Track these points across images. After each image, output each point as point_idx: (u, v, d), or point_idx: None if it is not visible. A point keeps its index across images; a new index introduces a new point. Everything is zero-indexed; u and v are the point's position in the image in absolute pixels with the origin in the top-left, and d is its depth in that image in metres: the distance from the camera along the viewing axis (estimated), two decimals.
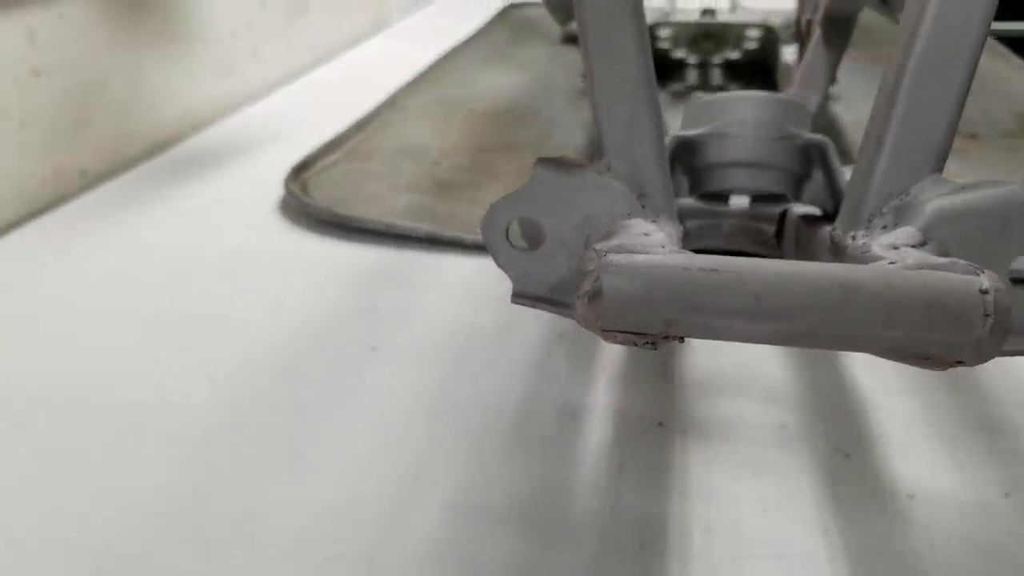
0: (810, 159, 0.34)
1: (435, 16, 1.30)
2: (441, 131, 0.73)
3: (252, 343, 0.42)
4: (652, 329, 0.21)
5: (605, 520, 0.30)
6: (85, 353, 0.41)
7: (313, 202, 0.57)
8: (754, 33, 0.81)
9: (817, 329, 0.20)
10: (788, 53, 0.81)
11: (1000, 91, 0.81)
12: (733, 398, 0.37)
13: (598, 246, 0.22)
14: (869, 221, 0.26)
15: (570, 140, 0.72)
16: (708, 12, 0.86)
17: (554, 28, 1.10)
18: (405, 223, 0.54)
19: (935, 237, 0.24)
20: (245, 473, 0.33)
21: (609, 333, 0.22)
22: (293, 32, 0.96)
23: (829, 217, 0.34)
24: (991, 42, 0.94)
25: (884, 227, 0.26)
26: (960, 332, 0.19)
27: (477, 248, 0.52)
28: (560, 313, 0.26)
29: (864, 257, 0.24)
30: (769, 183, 0.33)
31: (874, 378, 0.38)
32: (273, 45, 0.91)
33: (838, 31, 0.51)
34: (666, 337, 0.22)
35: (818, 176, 0.34)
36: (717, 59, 0.85)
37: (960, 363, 0.20)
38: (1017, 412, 0.35)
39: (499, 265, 0.27)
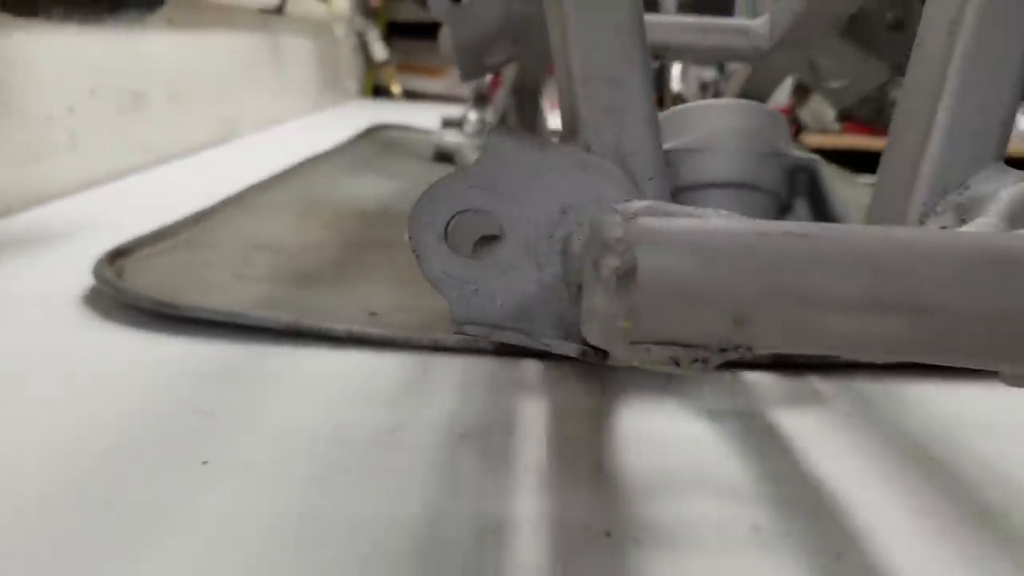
0: (794, 184, 0.28)
1: (290, 132, 1.24)
2: (301, 227, 0.65)
3: (28, 467, 0.30)
4: (711, 334, 0.14)
5: None
6: None
7: (129, 288, 0.46)
8: None
9: (984, 327, 0.13)
10: None
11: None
12: (688, 499, 0.30)
13: (622, 207, 0.14)
14: (921, 222, 0.20)
15: None
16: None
17: (423, 148, 1.06)
18: (256, 312, 0.44)
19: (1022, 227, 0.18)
20: None
21: (639, 347, 0.14)
22: (125, 126, 0.86)
23: None
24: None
25: (943, 228, 0.20)
26: None
27: (351, 340, 0.43)
28: (530, 344, 0.18)
29: None
30: (755, 210, 0.27)
31: (843, 468, 0.32)
32: (98, 137, 0.81)
33: None
34: (724, 349, 0.14)
35: (801, 206, 0.28)
36: None
37: None
38: (1000, 494, 0.29)
39: (431, 279, 0.18)
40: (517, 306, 0.18)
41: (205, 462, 0.31)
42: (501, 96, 0.59)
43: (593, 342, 0.15)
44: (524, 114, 0.53)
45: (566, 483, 0.30)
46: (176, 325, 0.44)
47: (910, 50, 0.42)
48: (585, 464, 0.32)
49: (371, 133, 1.17)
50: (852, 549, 0.27)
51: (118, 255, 0.52)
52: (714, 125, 0.27)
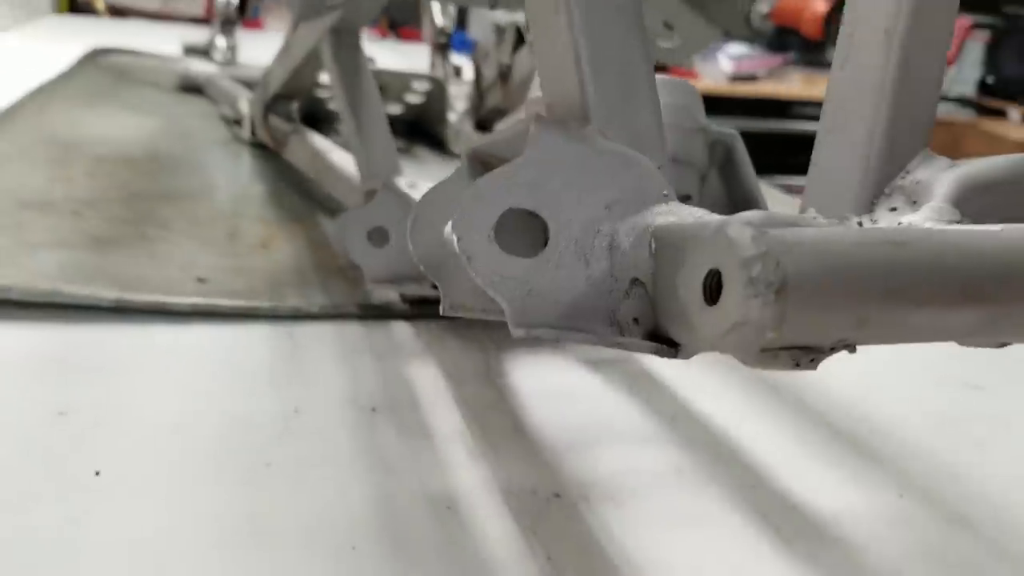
0: (712, 156, 0.30)
1: None
2: (62, 178, 0.57)
3: None
4: (836, 336, 0.15)
5: None
6: None
7: None
8: (421, 86, 0.78)
9: None
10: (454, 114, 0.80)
11: None
12: (611, 450, 0.32)
13: (740, 218, 0.15)
14: (872, 204, 0.23)
15: (246, 189, 0.61)
16: (368, 60, 0.81)
17: (163, 76, 0.95)
18: (74, 288, 0.38)
19: (967, 210, 0.22)
20: None
21: (768, 352, 0.15)
22: None
23: None
24: None
25: (893, 208, 0.23)
26: None
27: (197, 315, 0.39)
28: (599, 344, 0.18)
29: None
30: (682, 183, 0.29)
31: (723, 406, 0.36)
32: None
33: None
34: (832, 348, 0.16)
35: (713, 176, 0.31)
36: None
37: None
38: (856, 419, 0.35)
39: (485, 283, 0.18)
40: (570, 304, 0.18)
41: (98, 472, 0.27)
42: (302, 35, 0.55)
43: (725, 351, 0.16)
44: (342, 54, 0.50)
45: (495, 449, 0.31)
46: None
47: (737, 15, 0.46)
48: (502, 427, 0.33)
49: (95, 59, 1.02)
50: (762, 481, 0.31)
51: None
52: None
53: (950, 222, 0.22)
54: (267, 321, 0.40)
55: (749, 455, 0.32)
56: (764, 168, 0.37)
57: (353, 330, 0.40)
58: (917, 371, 0.41)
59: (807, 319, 0.15)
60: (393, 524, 0.26)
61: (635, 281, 0.19)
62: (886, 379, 0.40)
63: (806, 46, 2.17)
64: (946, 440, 0.35)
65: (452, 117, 0.82)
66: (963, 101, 2.01)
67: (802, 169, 0.25)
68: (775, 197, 0.74)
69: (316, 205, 0.59)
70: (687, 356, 0.18)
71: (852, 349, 0.16)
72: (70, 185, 0.56)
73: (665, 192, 0.19)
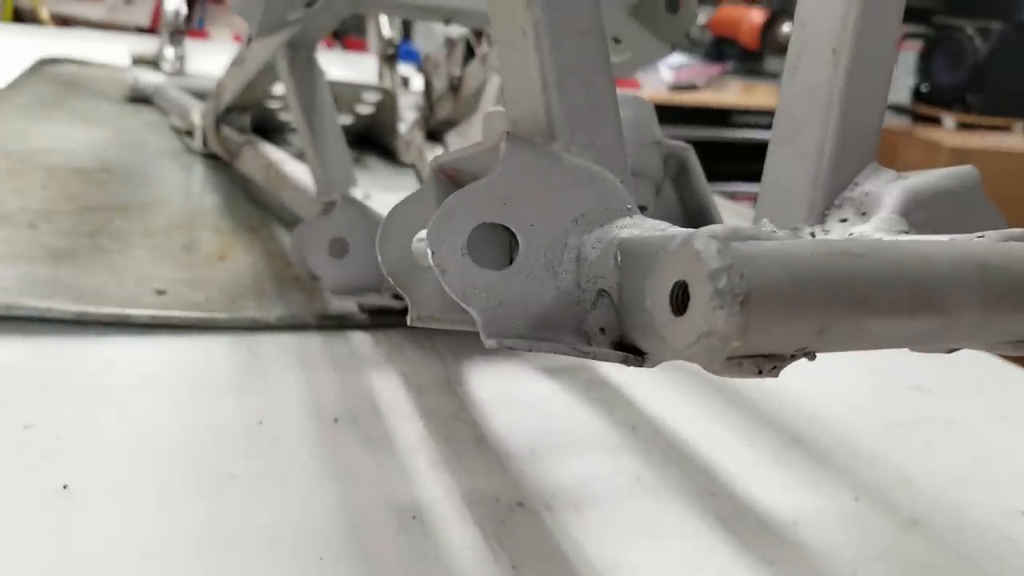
0: (665, 168, 0.31)
1: None
2: (16, 189, 0.55)
3: None
4: (799, 342, 0.16)
5: None
6: None
7: None
8: (371, 97, 0.78)
9: (988, 320, 0.17)
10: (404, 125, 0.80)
11: None
12: (572, 458, 0.32)
13: (705, 232, 0.15)
14: (824, 214, 0.24)
15: (200, 200, 0.60)
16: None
17: (112, 87, 0.93)
18: (40, 302, 0.37)
19: (913, 221, 0.23)
20: None
21: (733, 361, 0.16)
22: None
23: None
24: None
25: (844, 219, 0.24)
26: None
27: (157, 327, 0.38)
28: (569, 354, 0.18)
29: None
30: (640, 197, 0.29)
31: (676, 411, 0.37)
32: None
33: None
34: (793, 356, 0.16)
35: (667, 187, 0.31)
36: None
37: None
38: (803, 422, 0.36)
39: (458, 296, 0.18)
40: (540, 315, 0.19)
41: (65, 486, 0.26)
42: (256, 48, 0.54)
43: (691, 359, 0.16)
44: (297, 67, 0.49)
45: (458, 459, 0.31)
46: None
47: (682, 30, 0.46)
48: (464, 436, 0.33)
49: (43, 68, 0.99)
50: (721, 487, 0.31)
51: None
52: None
53: (899, 232, 0.22)
54: (226, 333, 0.39)
55: (707, 462, 0.33)
56: (706, 176, 0.38)
57: (312, 341, 0.40)
58: (867, 376, 0.42)
59: (770, 328, 0.15)
60: (359, 534, 0.26)
61: (601, 292, 0.19)
62: (838, 385, 0.41)
63: (744, 56, 2.21)
64: (897, 443, 0.35)
65: (402, 128, 0.81)
66: (899, 109, 2.05)
67: (743, 176, 0.25)
68: (721, 205, 0.76)
69: (271, 216, 0.59)
70: (653, 364, 0.18)
71: (812, 357, 0.17)
72: (24, 197, 0.54)
73: (629, 205, 0.20)
